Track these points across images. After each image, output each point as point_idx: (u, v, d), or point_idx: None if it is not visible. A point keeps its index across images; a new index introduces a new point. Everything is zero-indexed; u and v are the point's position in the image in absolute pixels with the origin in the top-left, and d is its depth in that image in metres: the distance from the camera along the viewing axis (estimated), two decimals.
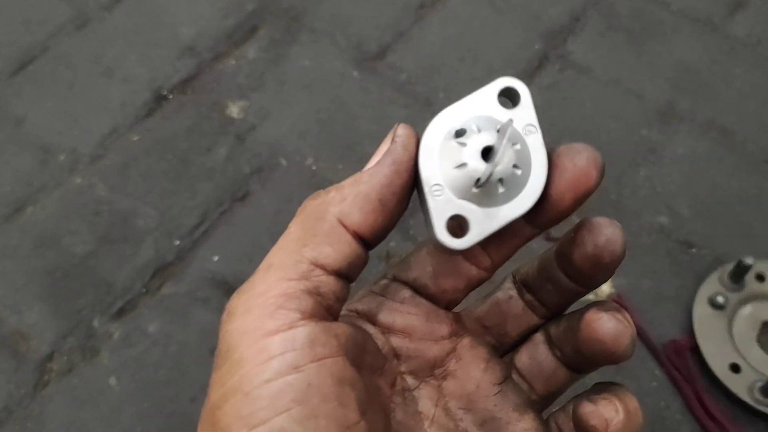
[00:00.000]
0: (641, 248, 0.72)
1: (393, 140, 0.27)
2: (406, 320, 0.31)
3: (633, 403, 0.29)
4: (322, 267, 0.26)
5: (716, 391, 0.64)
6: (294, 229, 0.27)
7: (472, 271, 0.31)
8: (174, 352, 0.65)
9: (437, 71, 0.84)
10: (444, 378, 0.31)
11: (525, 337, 0.33)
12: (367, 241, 0.27)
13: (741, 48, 0.87)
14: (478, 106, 0.28)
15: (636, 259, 0.71)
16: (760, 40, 0.87)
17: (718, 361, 0.65)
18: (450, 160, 0.27)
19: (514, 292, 0.33)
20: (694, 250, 0.72)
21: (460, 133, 0.27)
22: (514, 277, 0.33)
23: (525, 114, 0.28)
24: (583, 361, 0.31)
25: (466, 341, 0.32)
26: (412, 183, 0.27)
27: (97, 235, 0.71)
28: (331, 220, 0.26)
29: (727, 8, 0.90)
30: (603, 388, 0.30)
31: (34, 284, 0.68)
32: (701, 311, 0.68)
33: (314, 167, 0.76)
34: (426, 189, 0.27)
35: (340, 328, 0.26)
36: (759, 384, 0.63)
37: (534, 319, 0.32)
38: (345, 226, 0.26)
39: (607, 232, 0.29)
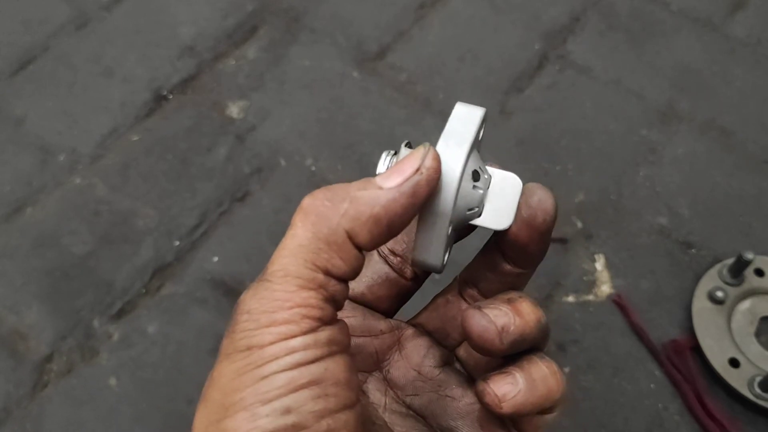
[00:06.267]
0: (641, 248, 0.72)
1: (419, 169, 0.27)
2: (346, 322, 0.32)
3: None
4: (336, 277, 0.27)
5: (716, 387, 0.64)
6: (302, 233, 0.27)
7: (401, 281, 0.34)
8: (173, 353, 0.65)
9: (437, 71, 0.84)
10: (389, 369, 0.34)
11: None
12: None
13: (741, 48, 0.87)
14: (474, 135, 0.30)
15: (635, 260, 0.71)
16: (760, 40, 0.87)
17: (717, 356, 0.65)
18: (465, 200, 0.29)
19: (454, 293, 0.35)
20: (693, 250, 0.72)
21: (475, 176, 0.30)
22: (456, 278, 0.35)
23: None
24: None
25: (408, 333, 0.34)
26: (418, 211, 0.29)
27: (96, 235, 0.71)
28: (342, 234, 0.27)
29: (727, 8, 0.90)
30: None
31: (33, 284, 0.68)
32: (700, 306, 0.68)
33: (314, 167, 0.76)
34: (446, 223, 0.29)
35: (347, 327, 0.28)
36: (758, 379, 0.63)
37: None
38: (353, 242, 0.27)
39: (539, 193, 0.30)
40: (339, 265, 0.27)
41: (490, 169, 0.31)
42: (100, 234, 0.71)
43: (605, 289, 0.70)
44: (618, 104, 0.82)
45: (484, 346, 0.29)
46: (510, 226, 0.30)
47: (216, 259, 0.70)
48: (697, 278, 0.69)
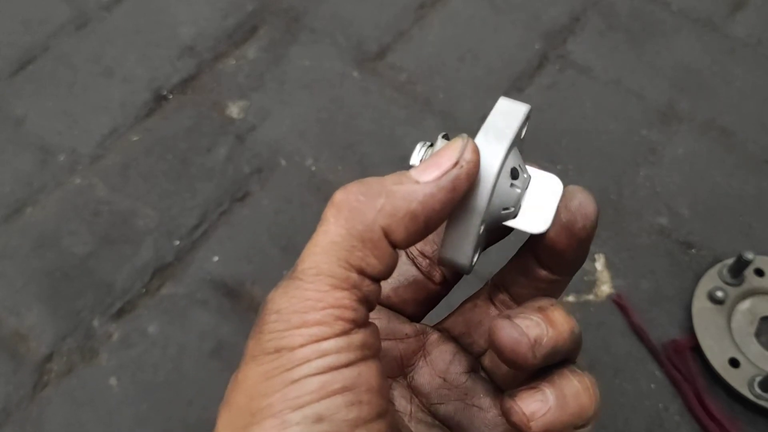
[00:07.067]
0: (641, 248, 0.72)
1: (458, 163, 0.26)
2: None
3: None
4: (370, 277, 0.26)
5: (716, 387, 0.64)
6: (335, 229, 0.25)
7: (430, 285, 0.32)
8: (173, 354, 0.65)
9: (437, 71, 0.84)
10: (413, 376, 0.32)
11: None
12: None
13: (741, 48, 0.87)
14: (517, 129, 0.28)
15: (635, 260, 0.71)
16: (760, 40, 0.87)
17: (717, 356, 0.65)
18: (500, 198, 0.28)
19: (483, 298, 0.33)
20: (693, 250, 0.72)
21: (514, 175, 0.28)
22: (487, 282, 0.33)
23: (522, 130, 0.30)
24: None
25: (433, 338, 0.33)
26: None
27: (96, 236, 0.71)
28: (378, 231, 0.25)
29: (727, 8, 0.90)
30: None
31: (33, 285, 0.68)
32: (700, 306, 0.68)
33: (314, 168, 0.76)
34: (478, 221, 0.27)
35: (378, 330, 0.27)
36: (758, 379, 0.63)
37: None
38: (388, 239, 0.26)
39: (580, 197, 0.29)
40: (374, 264, 0.25)
41: (530, 169, 0.30)
42: (100, 234, 0.71)
43: (605, 289, 0.70)
44: (618, 104, 0.82)
45: (515, 361, 0.27)
46: (547, 231, 0.29)
47: (216, 258, 0.70)
48: (697, 278, 0.69)
